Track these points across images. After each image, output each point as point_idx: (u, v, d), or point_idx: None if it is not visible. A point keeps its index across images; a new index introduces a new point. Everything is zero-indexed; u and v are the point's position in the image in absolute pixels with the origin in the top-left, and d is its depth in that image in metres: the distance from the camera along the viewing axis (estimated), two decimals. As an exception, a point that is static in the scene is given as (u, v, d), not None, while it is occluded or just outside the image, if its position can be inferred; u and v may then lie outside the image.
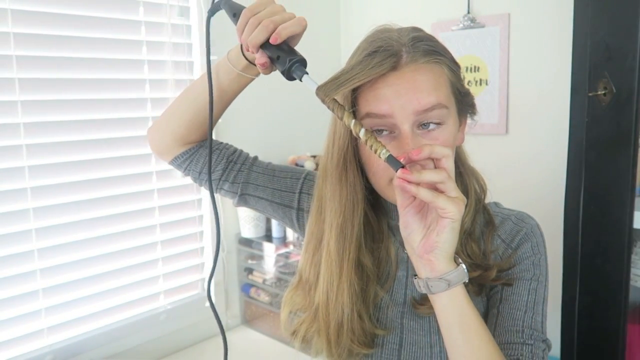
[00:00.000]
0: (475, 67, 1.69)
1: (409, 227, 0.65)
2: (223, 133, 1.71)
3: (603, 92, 1.08)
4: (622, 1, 1.04)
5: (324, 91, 0.63)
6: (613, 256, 1.11)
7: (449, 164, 0.61)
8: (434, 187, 0.60)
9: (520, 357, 0.70)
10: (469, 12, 1.68)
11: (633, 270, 1.16)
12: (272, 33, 0.66)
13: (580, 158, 1.13)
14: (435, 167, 0.62)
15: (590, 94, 1.09)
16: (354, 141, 0.72)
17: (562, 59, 1.47)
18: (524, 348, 0.70)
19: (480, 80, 1.68)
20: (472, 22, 1.67)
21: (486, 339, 0.65)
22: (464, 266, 0.64)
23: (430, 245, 0.63)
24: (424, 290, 0.66)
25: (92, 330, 1.50)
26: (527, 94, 1.61)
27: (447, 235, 0.61)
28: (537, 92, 1.58)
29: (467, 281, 0.65)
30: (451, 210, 0.59)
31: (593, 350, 1.18)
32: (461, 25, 1.69)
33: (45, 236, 1.39)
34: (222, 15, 0.79)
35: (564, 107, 1.19)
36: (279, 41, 0.66)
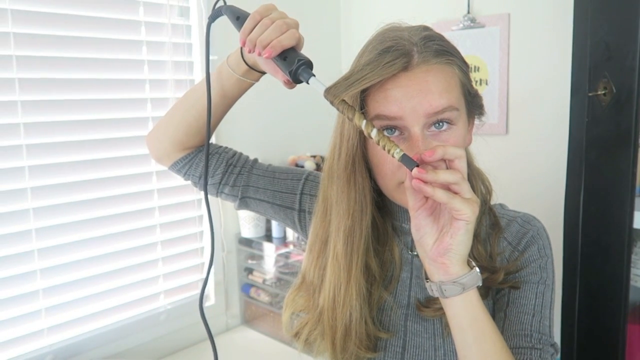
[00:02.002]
0: (475, 67, 1.69)
1: (422, 229, 0.63)
2: (222, 134, 1.71)
3: (603, 92, 1.07)
4: (622, 1, 1.04)
5: (333, 93, 0.62)
6: (613, 256, 1.11)
7: (462, 165, 0.60)
8: (447, 188, 0.59)
9: None
10: (469, 12, 1.68)
11: (633, 270, 1.16)
12: (285, 34, 0.65)
13: (580, 158, 1.13)
14: (448, 168, 0.61)
15: (590, 94, 1.09)
16: (363, 143, 0.71)
17: (562, 59, 1.47)
18: (533, 353, 0.69)
19: (480, 80, 1.68)
20: (472, 22, 1.67)
21: (499, 345, 0.64)
22: (477, 269, 0.63)
23: (444, 248, 0.61)
24: (436, 294, 0.64)
25: (92, 330, 1.49)
26: (527, 94, 1.61)
27: (461, 237, 0.60)
28: (537, 93, 1.58)
29: (480, 284, 0.63)
30: (467, 211, 0.58)
31: (593, 350, 1.18)
32: (461, 25, 1.69)
33: (45, 236, 1.39)
34: (223, 18, 0.79)
35: (564, 107, 1.19)
36: (273, 54, 0.66)
